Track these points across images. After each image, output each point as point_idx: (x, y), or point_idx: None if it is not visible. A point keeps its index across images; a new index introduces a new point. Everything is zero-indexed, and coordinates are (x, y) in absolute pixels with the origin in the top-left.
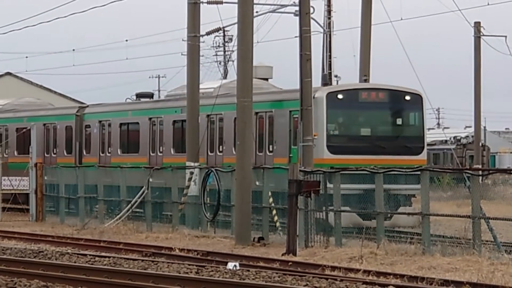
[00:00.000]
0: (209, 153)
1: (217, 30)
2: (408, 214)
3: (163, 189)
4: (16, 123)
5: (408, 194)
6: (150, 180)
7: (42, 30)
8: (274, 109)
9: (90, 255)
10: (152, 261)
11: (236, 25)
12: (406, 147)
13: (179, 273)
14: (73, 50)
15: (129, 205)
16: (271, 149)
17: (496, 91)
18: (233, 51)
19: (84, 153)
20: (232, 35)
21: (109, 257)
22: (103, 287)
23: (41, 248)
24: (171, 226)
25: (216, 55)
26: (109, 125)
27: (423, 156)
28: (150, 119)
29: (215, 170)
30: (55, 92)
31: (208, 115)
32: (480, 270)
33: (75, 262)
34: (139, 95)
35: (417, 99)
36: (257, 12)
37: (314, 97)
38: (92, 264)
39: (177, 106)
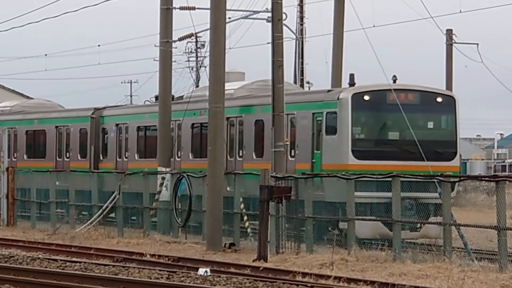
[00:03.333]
0: (229, 158)
1: (190, 36)
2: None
3: (134, 194)
4: (26, 126)
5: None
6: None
7: (14, 34)
8: (297, 111)
9: (61, 260)
10: (123, 267)
11: (208, 31)
12: (437, 153)
13: (150, 278)
14: (45, 55)
15: (101, 210)
16: (293, 154)
17: (468, 98)
18: (205, 57)
19: (101, 157)
20: (205, 41)
21: (80, 262)
22: None
23: (12, 253)
24: (142, 231)
25: (189, 61)
26: (126, 128)
27: (455, 162)
28: None
29: (187, 175)
30: (28, 97)
31: (227, 118)
32: (450, 277)
33: (46, 267)
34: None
35: (450, 101)
36: (229, 18)
37: (338, 98)
38: (63, 269)
39: (196, 108)
